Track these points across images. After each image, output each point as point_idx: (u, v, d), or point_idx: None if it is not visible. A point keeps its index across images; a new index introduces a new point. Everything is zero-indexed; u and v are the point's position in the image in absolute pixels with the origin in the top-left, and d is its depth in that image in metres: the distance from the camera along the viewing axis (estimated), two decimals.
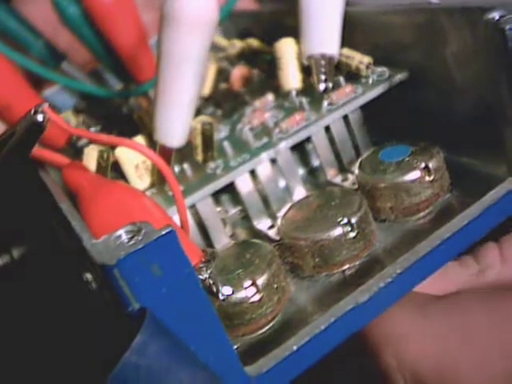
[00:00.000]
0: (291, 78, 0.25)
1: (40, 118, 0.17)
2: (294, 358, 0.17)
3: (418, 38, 0.22)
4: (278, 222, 0.22)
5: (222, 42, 0.32)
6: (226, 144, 0.23)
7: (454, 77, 0.21)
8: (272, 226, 0.23)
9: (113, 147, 0.22)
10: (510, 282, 0.21)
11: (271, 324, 0.19)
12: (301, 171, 0.26)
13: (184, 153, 0.23)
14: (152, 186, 0.23)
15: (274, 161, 0.23)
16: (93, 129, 0.30)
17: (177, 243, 0.14)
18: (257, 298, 0.18)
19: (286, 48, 0.25)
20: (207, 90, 0.29)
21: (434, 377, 0.20)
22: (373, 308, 0.18)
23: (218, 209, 0.24)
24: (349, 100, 0.23)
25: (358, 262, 0.20)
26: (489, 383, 0.19)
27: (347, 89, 0.24)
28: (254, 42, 0.31)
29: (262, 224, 0.23)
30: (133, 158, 0.22)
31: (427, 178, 0.20)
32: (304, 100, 0.24)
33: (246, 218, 0.24)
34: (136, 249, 0.14)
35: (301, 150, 0.25)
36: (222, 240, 0.23)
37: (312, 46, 0.24)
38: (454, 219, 0.19)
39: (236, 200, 0.24)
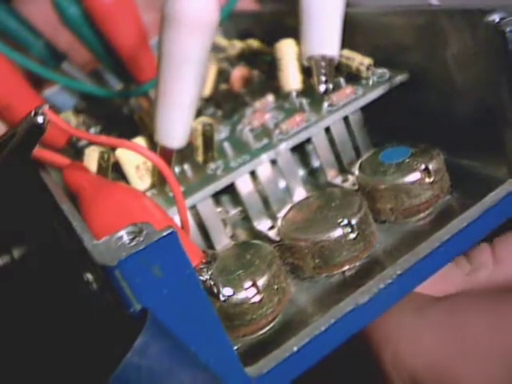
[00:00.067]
0: (291, 79, 0.25)
1: (40, 119, 0.17)
2: (295, 359, 0.17)
3: (418, 40, 0.23)
4: (279, 222, 0.22)
5: (222, 42, 0.32)
6: (227, 145, 0.23)
7: (454, 79, 0.22)
8: (272, 227, 0.23)
9: (113, 148, 0.22)
10: (502, 283, 0.21)
11: (272, 325, 0.19)
12: (301, 172, 0.26)
13: (184, 154, 0.23)
14: (152, 186, 0.23)
15: (274, 162, 0.23)
16: (93, 129, 0.30)
17: (178, 244, 0.14)
18: (257, 298, 0.18)
19: (287, 49, 0.26)
20: (207, 90, 0.29)
21: (432, 377, 0.20)
22: (373, 309, 0.18)
23: (219, 209, 0.24)
24: (349, 101, 0.23)
25: (358, 263, 0.20)
26: None
27: (347, 90, 0.24)
28: (254, 43, 0.31)
29: (263, 225, 0.23)
30: (133, 158, 0.22)
31: (427, 180, 0.20)
32: (304, 101, 0.24)
33: (246, 218, 0.24)
34: (137, 250, 0.14)
35: (301, 151, 0.25)
36: (223, 241, 0.23)
37: (312, 47, 0.24)
38: (454, 221, 0.19)
39: (236, 201, 0.24)
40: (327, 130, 0.24)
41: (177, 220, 0.20)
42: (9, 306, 0.24)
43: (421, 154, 0.21)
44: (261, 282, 0.18)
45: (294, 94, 0.25)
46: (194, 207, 0.22)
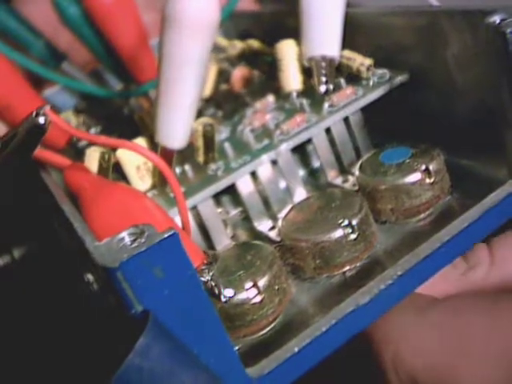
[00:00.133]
0: (292, 79, 0.25)
1: (42, 120, 0.17)
2: (296, 360, 0.17)
3: (418, 40, 0.23)
4: (279, 223, 0.22)
5: (223, 42, 0.32)
6: (227, 145, 0.23)
7: (454, 79, 0.22)
8: (273, 228, 0.23)
9: (114, 149, 0.22)
10: (498, 283, 0.21)
11: (272, 325, 0.19)
12: (301, 173, 0.26)
13: (185, 154, 0.23)
14: (153, 187, 0.23)
15: (274, 162, 0.23)
16: (93, 129, 0.30)
17: (179, 246, 0.14)
18: (258, 299, 0.18)
19: (287, 49, 0.26)
20: (208, 91, 0.29)
21: (433, 378, 0.20)
22: (373, 310, 0.18)
23: (219, 210, 0.24)
24: (349, 102, 0.23)
25: (358, 264, 0.20)
26: None
27: (348, 91, 0.24)
28: (254, 43, 0.31)
29: (263, 225, 0.23)
30: (134, 159, 0.22)
31: (428, 180, 0.20)
32: (305, 102, 0.24)
33: (246, 219, 0.24)
34: (139, 251, 0.14)
35: (301, 151, 0.25)
36: (223, 241, 0.23)
37: (313, 47, 0.24)
38: (454, 221, 0.19)
39: (237, 201, 0.24)
40: (328, 130, 0.24)
41: (178, 221, 0.20)
42: (9, 306, 0.24)
43: (421, 154, 0.21)
44: (262, 282, 0.18)
45: (295, 94, 0.25)
46: (194, 208, 0.22)
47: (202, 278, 0.17)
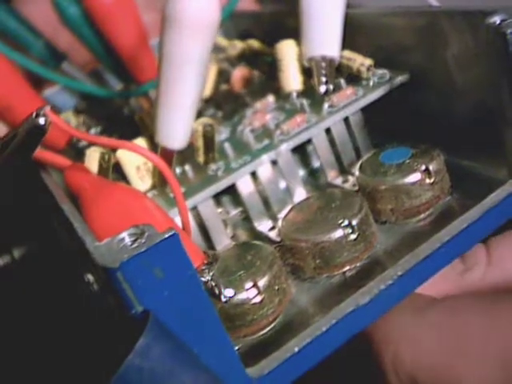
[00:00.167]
0: (292, 79, 0.25)
1: (42, 121, 0.17)
2: (296, 360, 0.17)
3: (418, 41, 0.23)
4: (279, 223, 0.22)
5: (223, 42, 0.32)
6: (227, 146, 0.23)
7: (454, 79, 0.22)
8: (273, 228, 0.23)
9: (114, 149, 0.23)
10: (496, 283, 0.21)
11: (272, 325, 0.19)
12: (301, 173, 0.26)
13: (185, 154, 0.23)
14: (153, 187, 0.23)
15: (274, 162, 0.23)
16: (93, 130, 0.30)
17: (180, 246, 0.14)
18: (258, 299, 0.18)
19: (287, 50, 0.26)
20: (208, 91, 0.29)
21: (433, 378, 0.20)
22: (373, 310, 0.18)
23: (219, 210, 0.24)
24: (350, 102, 0.23)
25: (358, 264, 0.20)
26: None
27: (348, 91, 0.24)
28: (254, 43, 0.31)
29: (263, 225, 0.23)
30: (134, 159, 0.22)
31: (428, 181, 0.20)
32: (305, 102, 0.24)
33: (246, 219, 0.24)
34: (139, 252, 0.14)
35: (301, 151, 0.25)
36: (223, 241, 0.23)
37: (313, 47, 0.24)
38: (454, 222, 0.19)
39: (237, 201, 0.24)
40: (328, 130, 0.24)
41: (178, 221, 0.20)
42: (9, 306, 0.24)
43: (421, 154, 0.21)
44: (262, 282, 0.18)
45: (295, 94, 0.25)
46: (194, 208, 0.22)
47: (202, 278, 0.17)
